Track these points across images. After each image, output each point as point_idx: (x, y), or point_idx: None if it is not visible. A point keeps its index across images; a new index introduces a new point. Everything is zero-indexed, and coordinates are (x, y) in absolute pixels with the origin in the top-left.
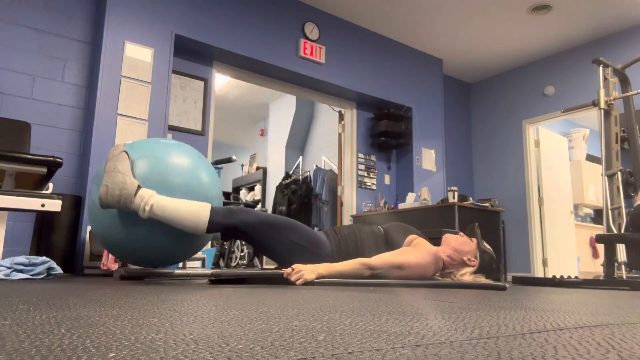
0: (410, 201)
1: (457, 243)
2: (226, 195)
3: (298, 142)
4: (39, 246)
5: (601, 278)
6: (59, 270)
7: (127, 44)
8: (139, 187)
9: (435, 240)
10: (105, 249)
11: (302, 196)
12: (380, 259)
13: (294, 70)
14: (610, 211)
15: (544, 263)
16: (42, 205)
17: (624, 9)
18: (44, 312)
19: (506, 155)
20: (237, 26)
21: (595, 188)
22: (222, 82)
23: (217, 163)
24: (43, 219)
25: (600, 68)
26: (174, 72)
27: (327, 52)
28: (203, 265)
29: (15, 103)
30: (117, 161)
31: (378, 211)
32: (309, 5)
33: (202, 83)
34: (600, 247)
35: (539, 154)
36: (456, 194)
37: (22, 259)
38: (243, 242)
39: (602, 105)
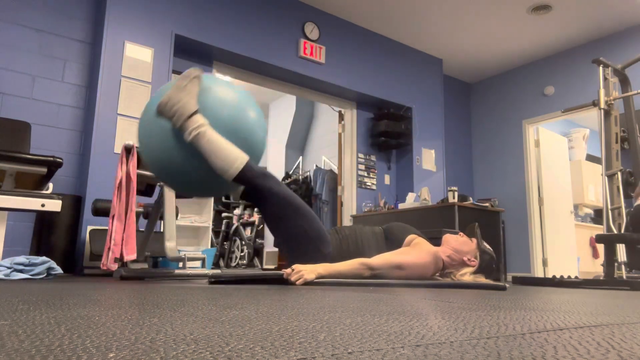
0: (410, 201)
1: (457, 243)
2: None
3: (298, 142)
4: (39, 246)
5: (601, 278)
6: (59, 270)
7: (127, 44)
8: (196, 111)
9: (435, 240)
10: (143, 156)
11: (302, 196)
12: (380, 259)
13: (294, 70)
14: (610, 211)
15: (544, 263)
16: (42, 205)
17: (624, 9)
18: (44, 312)
19: (506, 155)
20: (237, 26)
21: (595, 188)
22: None
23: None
24: (43, 219)
25: (600, 68)
26: (174, 72)
27: (327, 52)
28: (203, 265)
29: (15, 103)
30: (189, 82)
31: (378, 211)
32: (309, 5)
33: None
34: (600, 247)
35: (539, 154)
36: (456, 194)
37: (22, 259)
38: (243, 243)
39: (602, 105)
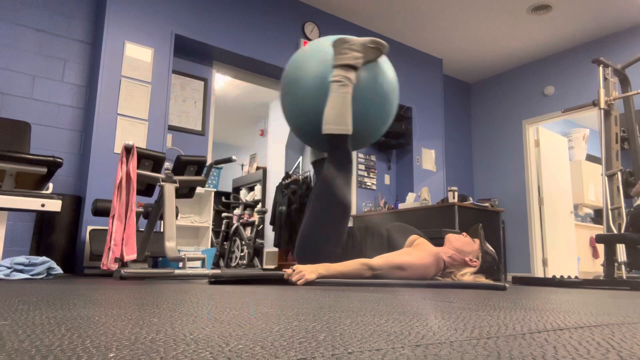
0: (410, 201)
1: (459, 243)
2: (226, 195)
3: (298, 142)
4: (39, 246)
5: (601, 278)
6: (59, 270)
7: (127, 44)
8: (356, 69)
9: (436, 241)
10: (285, 74)
11: (302, 196)
12: (381, 260)
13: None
14: (610, 211)
15: (544, 263)
16: (42, 205)
17: (624, 9)
18: (44, 312)
19: (506, 155)
20: (237, 26)
21: (595, 188)
22: (222, 82)
23: (217, 163)
24: (43, 219)
25: (600, 68)
26: (174, 72)
27: None
28: (203, 265)
29: (15, 103)
30: (374, 49)
31: (378, 211)
32: (309, 5)
33: (202, 83)
34: (600, 247)
35: (539, 154)
36: (456, 194)
37: (22, 259)
38: (243, 243)
39: (602, 105)
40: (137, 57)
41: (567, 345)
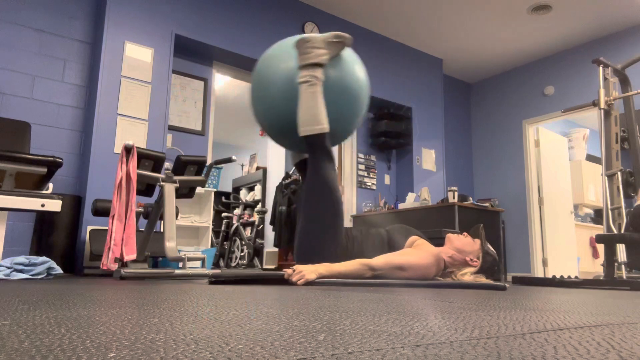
0: (410, 201)
1: (460, 243)
2: (226, 195)
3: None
4: (39, 246)
5: (601, 278)
6: (59, 270)
7: (127, 44)
8: (322, 66)
9: (436, 241)
10: (254, 77)
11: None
12: (382, 260)
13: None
14: (610, 211)
15: (544, 263)
16: (42, 205)
17: (624, 9)
18: (44, 312)
19: (506, 155)
20: (237, 26)
21: (595, 188)
22: (222, 82)
23: (217, 163)
24: (43, 219)
25: (600, 68)
26: (174, 72)
27: None
28: (203, 265)
29: (15, 103)
30: (336, 44)
31: (378, 211)
32: (309, 5)
33: (202, 83)
34: (600, 247)
35: (539, 154)
36: (456, 194)
37: (22, 259)
38: (243, 243)
39: (602, 105)
40: (137, 57)
41: (567, 345)
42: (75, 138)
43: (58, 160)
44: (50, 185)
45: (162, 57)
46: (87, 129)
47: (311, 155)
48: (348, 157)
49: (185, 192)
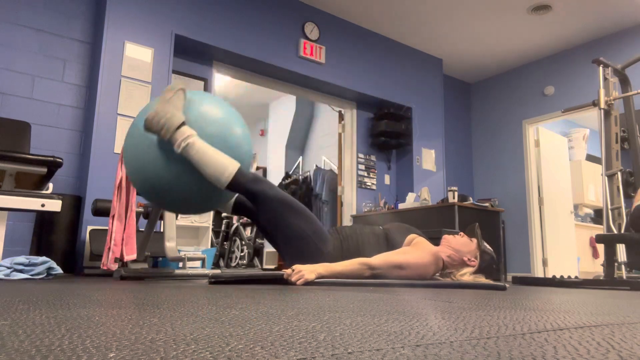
0: (410, 201)
1: (457, 243)
2: None
3: (298, 142)
4: (39, 246)
5: (601, 278)
6: (59, 270)
7: (127, 44)
8: (183, 123)
9: (436, 241)
10: (129, 174)
11: (302, 196)
12: (380, 259)
13: (294, 70)
14: (610, 211)
15: (544, 263)
16: (42, 205)
17: (624, 9)
18: (44, 312)
19: (506, 155)
20: (237, 26)
21: (595, 188)
22: (222, 82)
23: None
24: (43, 219)
25: (600, 68)
26: (174, 72)
27: (327, 52)
28: (203, 265)
29: (15, 103)
30: (174, 94)
31: (378, 211)
32: (309, 5)
33: (202, 83)
34: (600, 247)
35: (539, 154)
36: (456, 194)
37: (22, 259)
38: (243, 243)
39: (602, 105)
40: (137, 57)
41: (567, 345)
42: (75, 138)
43: (58, 160)
44: (50, 185)
45: (162, 57)
46: (87, 129)
47: (245, 194)
48: (348, 157)
49: None
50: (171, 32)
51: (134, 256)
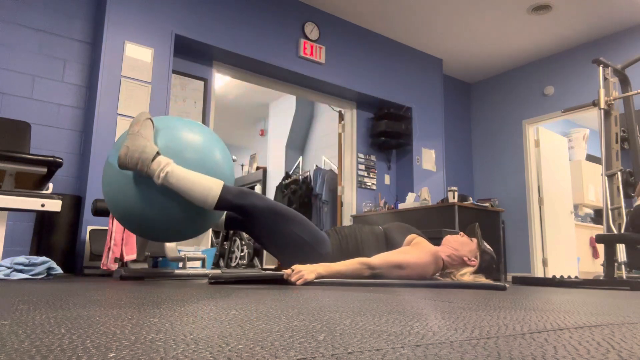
0: (410, 201)
1: (457, 243)
2: None
3: (298, 142)
4: (39, 246)
5: (601, 278)
6: (59, 270)
7: (127, 44)
8: (157, 153)
9: (435, 241)
10: (115, 215)
11: (302, 196)
12: (380, 259)
13: (294, 70)
14: (610, 211)
15: (544, 263)
16: (42, 205)
17: (624, 9)
18: (44, 312)
19: (506, 155)
20: (237, 26)
21: (595, 188)
22: (222, 82)
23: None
24: (43, 219)
25: (600, 68)
26: (174, 72)
27: (327, 52)
28: (203, 265)
29: (15, 103)
30: (141, 126)
31: (378, 211)
32: (309, 5)
33: (202, 83)
34: (600, 247)
35: (539, 154)
36: (456, 194)
37: (22, 259)
38: (243, 243)
39: (602, 105)
40: (137, 57)
41: (567, 345)
42: (75, 138)
43: (58, 160)
44: (50, 185)
45: (162, 57)
46: (87, 129)
47: (235, 210)
48: (348, 157)
49: None
50: (171, 32)
51: (133, 256)
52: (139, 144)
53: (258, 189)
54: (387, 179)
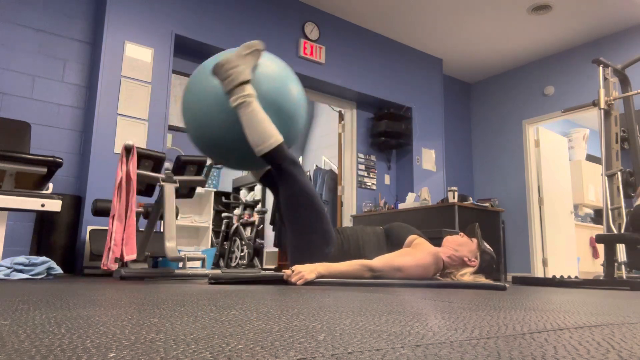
0: (410, 201)
1: (457, 244)
2: (226, 195)
3: (298, 142)
4: (39, 246)
5: (601, 278)
6: (59, 270)
7: (127, 44)
8: (248, 81)
9: (436, 241)
10: (184, 118)
11: None
12: (381, 261)
13: (294, 70)
14: (610, 211)
15: (544, 263)
16: (42, 205)
17: (624, 9)
18: (44, 312)
19: (506, 155)
20: (237, 26)
21: (595, 188)
22: None
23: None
24: (43, 219)
25: (600, 68)
26: (174, 72)
27: (327, 52)
28: (203, 265)
29: (15, 103)
30: (250, 54)
31: (378, 211)
32: (309, 5)
33: None
34: (600, 247)
35: (539, 154)
36: (456, 194)
37: (22, 259)
38: (243, 243)
39: (602, 105)
40: (137, 57)
41: (567, 345)
42: (75, 138)
43: (58, 160)
44: (50, 185)
45: (162, 57)
46: (87, 129)
47: (277, 170)
48: (348, 157)
49: (185, 192)
50: (171, 32)
51: (134, 256)
52: (238, 63)
53: (258, 189)
54: (387, 179)
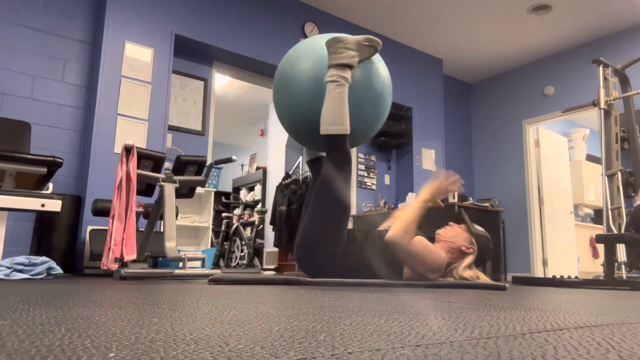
0: (410, 201)
1: (449, 235)
2: (226, 195)
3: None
4: (39, 246)
5: (601, 278)
6: (59, 270)
7: (127, 44)
8: (351, 67)
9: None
10: (278, 70)
11: (302, 196)
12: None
13: None
14: (610, 211)
15: (544, 263)
16: (42, 205)
17: (624, 9)
18: (44, 312)
19: (506, 155)
20: (237, 26)
21: (595, 188)
22: (222, 82)
23: (217, 163)
24: (43, 219)
25: (600, 68)
26: (174, 72)
27: None
28: (203, 265)
29: (15, 103)
30: (368, 47)
31: (378, 211)
32: (309, 5)
33: (202, 83)
34: (600, 247)
35: (539, 154)
36: (456, 194)
37: (22, 259)
38: (243, 243)
39: (602, 105)
40: (137, 57)
41: (567, 345)
42: (75, 138)
43: (58, 160)
44: (50, 185)
45: (162, 57)
46: (87, 129)
47: (329, 155)
48: None
49: (185, 192)
50: (171, 32)
51: (134, 256)
52: (355, 48)
53: (258, 189)
54: (387, 179)
